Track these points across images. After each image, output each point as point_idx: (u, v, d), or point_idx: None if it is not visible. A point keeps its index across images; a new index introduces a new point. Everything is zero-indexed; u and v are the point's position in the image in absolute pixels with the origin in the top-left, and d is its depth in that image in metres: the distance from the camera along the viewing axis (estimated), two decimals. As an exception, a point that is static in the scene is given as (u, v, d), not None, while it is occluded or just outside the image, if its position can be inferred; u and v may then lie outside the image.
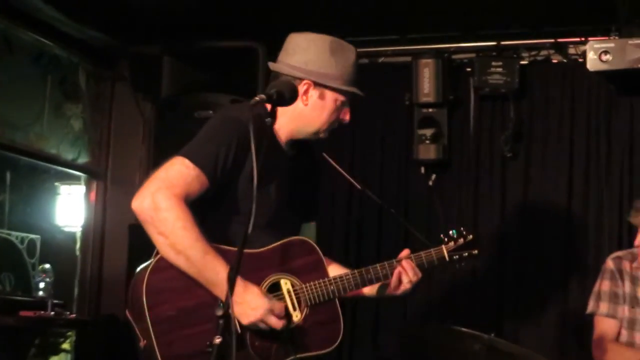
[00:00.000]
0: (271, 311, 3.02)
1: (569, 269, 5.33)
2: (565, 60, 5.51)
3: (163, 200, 2.94)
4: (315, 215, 3.66)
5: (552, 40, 5.45)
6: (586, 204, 5.36)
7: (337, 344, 3.21)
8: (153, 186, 2.97)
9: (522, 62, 5.47)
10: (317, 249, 3.26)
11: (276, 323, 3.03)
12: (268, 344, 3.08)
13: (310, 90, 3.23)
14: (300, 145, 3.35)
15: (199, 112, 5.16)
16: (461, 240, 3.50)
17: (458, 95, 5.58)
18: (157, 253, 3.02)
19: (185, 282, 3.00)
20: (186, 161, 3.02)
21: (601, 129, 5.37)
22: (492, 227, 5.38)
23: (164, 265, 2.99)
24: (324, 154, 3.52)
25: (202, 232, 2.98)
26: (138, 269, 3.07)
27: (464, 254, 3.51)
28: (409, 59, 5.55)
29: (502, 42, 5.46)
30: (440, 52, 5.50)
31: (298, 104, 3.17)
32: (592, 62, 5.00)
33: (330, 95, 3.25)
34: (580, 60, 5.26)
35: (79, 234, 6.25)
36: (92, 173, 6.18)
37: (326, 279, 3.23)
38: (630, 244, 4.74)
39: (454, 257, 3.49)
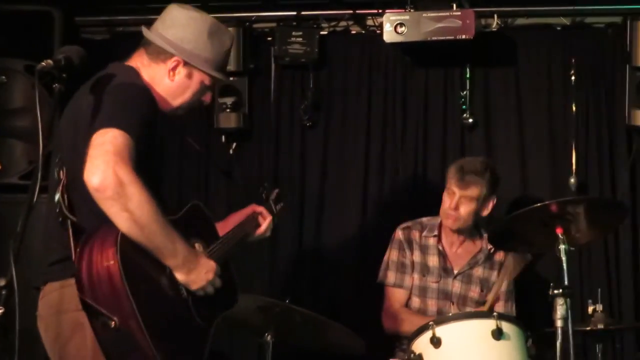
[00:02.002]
0: (218, 272, 3.08)
1: (365, 235, 5.45)
2: (363, 32, 5.61)
3: (125, 174, 2.80)
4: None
5: (351, 12, 5.53)
6: (381, 171, 5.49)
7: (237, 302, 3.31)
8: (109, 161, 2.79)
9: (322, 33, 5.53)
10: (206, 210, 3.35)
11: (219, 284, 3.09)
12: (204, 306, 3.08)
13: (179, 67, 3.22)
14: None
15: (-9, 76, 4.98)
16: (275, 193, 3.94)
17: (259, 64, 5.58)
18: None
19: (147, 253, 2.92)
20: (123, 132, 2.86)
21: (397, 99, 5.51)
22: (291, 195, 5.43)
23: (127, 237, 2.86)
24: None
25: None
26: (85, 247, 2.87)
27: (278, 207, 3.93)
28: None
29: (303, 12, 5.50)
30: (241, 21, 5.47)
31: (164, 77, 3.20)
32: (388, 34, 5.13)
33: (197, 76, 3.26)
34: (378, 31, 5.35)
35: None
36: None
37: (221, 239, 3.35)
38: (422, 211, 4.92)
39: (278, 207, 3.91)
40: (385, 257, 4.77)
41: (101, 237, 2.86)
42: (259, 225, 3.70)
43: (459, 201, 4.56)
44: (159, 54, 3.22)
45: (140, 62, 3.24)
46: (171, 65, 3.21)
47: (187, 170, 5.62)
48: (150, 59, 3.22)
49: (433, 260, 4.70)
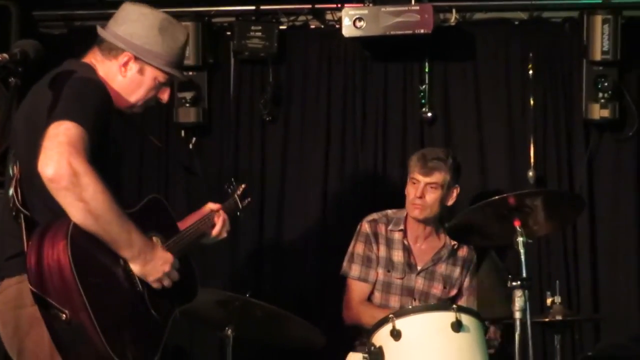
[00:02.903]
0: (174, 265, 3.07)
1: (326, 229, 5.46)
2: (322, 26, 5.60)
3: (79, 165, 2.79)
4: None
5: (310, 6, 5.52)
6: (342, 165, 5.50)
7: (196, 296, 3.32)
8: (63, 152, 2.78)
9: (281, 27, 5.51)
10: (166, 204, 3.36)
11: (176, 276, 3.08)
12: (161, 300, 3.08)
13: (130, 63, 3.21)
14: None
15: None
16: (241, 188, 3.93)
17: (218, 59, 5.56)
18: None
19: (101, 244, 2.90)
20: (77, 125, 2.85)
21: (357, 93, 5.52)
22: (252, 190, 5.41)
23: (79, 230, 2.85)
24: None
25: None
26: (35, 240, 2.84)
27: (245, 202, 3.95)
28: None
29: (262, 7, 5.48)
30: (200, 15, 5.45)
31: (117, 74, 3.20)
32: (347, 28, 5.14)
33: (150, 71, 3.24)
34: (337, 26, 5.35)
35: None
36: None
37: (180, 233, 3.34)
38: (382, 205, 4.93)
39: (244, 203, 3.93)
40: (350, 249, 4.76)
41: (52, 230, 2.85)
42: (214, 224, 3.63)
43: (424, 189, 4.57)
44: (111, 50, 3.21)
45: (94, 58, 3.24)
46: (122, 60, 3.20)
47: (147, 167, 5.59)
48: (103, 56, 3.22)
49: (398, 255, 4.70)
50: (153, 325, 3.07)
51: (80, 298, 2.78)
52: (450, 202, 4.67)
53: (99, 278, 2.90)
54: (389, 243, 4.72)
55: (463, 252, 4.77)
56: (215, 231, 3.62)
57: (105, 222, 2.87)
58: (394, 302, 4.67)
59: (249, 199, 3.99)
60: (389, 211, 4.80)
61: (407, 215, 4.73)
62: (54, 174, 2.79)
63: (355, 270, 4.72)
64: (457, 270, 4.75)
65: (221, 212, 3.66)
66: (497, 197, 3.79)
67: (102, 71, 3.21)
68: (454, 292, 4.73)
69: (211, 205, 3.66)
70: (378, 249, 4.71)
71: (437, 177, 4.58)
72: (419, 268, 4.71)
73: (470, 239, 4.40)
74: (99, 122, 2.95)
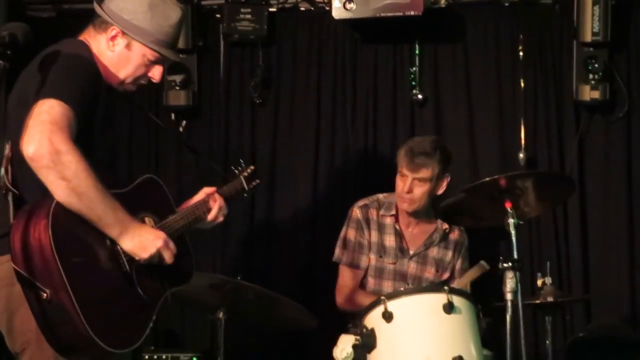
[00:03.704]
0: (168, 242, 3.08)
1: (317, 211, 5.47)
2: (312, 8, 5.57)
3: (61, 143, 2.81)
4: None
5: (300, -12, 5.52)
6: (332, 147, 5.50)
7: (191, 278, 3.34)
8: (45, 130, 2.80)
9: (271, 10, 5.49)
10: (163, 184, 3.36)
11: (171, 255, 3.09)
12: (151, 281, 3.09)
13: (117, 37, 3.22)
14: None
15: None
16: (249, 170, 3.90)
17: (207, 41, 5.54)
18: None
19: (85, 224, 2.91)
20: (62, 103, 2.87)
21: (347, 76, 5.50)
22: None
23: (62, 209, 2.86)
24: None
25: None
26: (20, 219, 2.86)
27: (253, 183, 3.93)
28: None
29: (251, -11, 5.47)
30: (189, -3, 5.44)
31: (106, 50, 3.21)
32: (337, 10, 5.13)
33: (138, 48, 3.24)
34: (327, 8, 5.33)
35: None
36: None
37: (176, 215, 3.34)
38: (373, 188, 4.93)
39: (250, 185, 3.89)
40: (342, 235, 4.76)
41: (36, 210, 2.86)
42: (210, 209, 3.61)
43: (412, 184, 4.55)
44: (102, 24, 3.23)
45: (88, 35, 3.25)
46: (110, 34, 3.22)
47: (138, 147, 5.58)
48: (95, 31, 3.24)
49: (390, 240, 4.70)
50: (140, 306, 3.07)
51: (60, 278, 2.80)
52: (440, 192, 4.62)
53: (82, 257, 2.91)
54: (381, 228, 4.72)
55: (455, 235, 4.77)
56: (211, 216, 3.60)
57: (89, 200, 2.88)
58: (387, 287, 4.66)
59: (257, 181, 3.98)
60: (380, 195, 4.80)
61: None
62: (34, 152, 2.81)
63: (347, 256, 4.73)
64: (449, 254, 4.76)
65: (216, 196, 3.63)
66: (488, 179, 3.78)
67: (95, 47, 3.22)
68: (446, 275, 4.74)
69: (206, 189, 3.63)
70: (370, 235, 4.71)
71: (425, 172, 4.54)
72: (411, 252, 4.71)
73: (461, 221, 4.40)
74: (86, 98, 2.96)
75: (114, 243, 2.99)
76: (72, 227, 2.89)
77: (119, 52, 3.23)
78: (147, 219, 3.16)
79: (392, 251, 4.69)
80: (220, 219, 3.64)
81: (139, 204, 3.12)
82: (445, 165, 4.61)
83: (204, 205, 3.58)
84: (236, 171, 3.89)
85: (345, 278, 4.74)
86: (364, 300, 4.50)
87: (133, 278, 3.04)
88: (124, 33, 3.21)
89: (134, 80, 3.30)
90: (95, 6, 3.27)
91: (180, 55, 5.27)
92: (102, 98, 3.08)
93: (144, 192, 3.23)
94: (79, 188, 2.85)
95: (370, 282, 4.71)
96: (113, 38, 3.22)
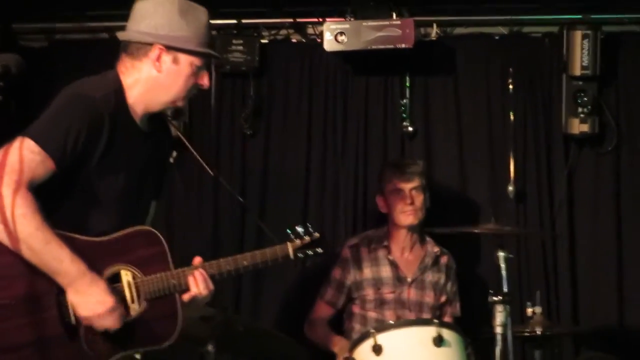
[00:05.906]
0: (112, 311, 2.92)
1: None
2: (304, 40, 5.61)
3: (5, 186, 2.76)
4: (159, 194, 3.43)
5: (292, 20, 5.53)
6: (322, 179, 5.50)
7: (170, 341, 3.10)
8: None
9: (263, 41, 5.52)
10: (162, 239, 3.11)
11: (114, 322, 2.94)
12: (101, 337, 2.96)
13: (162, 55, 3.08)
14: (156, 120, 3.21)
15: None
16: (307, 239, 3.44)
17: (199, 72, 5.55)
18: None
19: (24, 268, 2.85)
20: (32, 144, 2.82)
21: (338, 107, 5.52)
22: (232, 205, 5.40)
23: (2, 251, 2.82)
24: (180, 134, 3.38)
25: (45, 219, 2.82)
26: None
27: (309, 252, 3.44)
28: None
29: (243, 21, 5.48)
30: (181, 28, 5.44)
31: (151, 71, 3.09)
32: (329, 42, 5.15)
33: (184, 59, 3.11)
34: (319, 40, 5.36)
35: None
36: None
37: (168, 272, 3.10)
38: (363, 217, 4.94)
39: (299, 254, 3.42)
40: (331, 273, 4.82)
41: None
42: (186, 288, 3.15)
43: (411, 194, 4.67)
44: (139, 49, 3.10)
45: (122, 67, 3.13)
46: (154, 55, 3.08)
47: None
48: (133, 59, 3.11)
49: (386, 271, 4.74)
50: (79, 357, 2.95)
51: None
52: (428, 204, 4.75)
53: (9, 300, 2.86)
54: (374, 261, 4.76)
55: (444, 259, 4.86)
56: (190, 295, 3.18)
57: (28, 247, 2.82)
58: (390, 316, 4.68)
59: (320, 250, 3.46)
60: (369, 232, 4.90)
61: (388, 231, 4.76)
62: None
63: (328, 293, 4.79)
64: (443, 277, 4.82)
65: (196, 272, 3.17)
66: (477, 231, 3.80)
67: (134, 76, 3.10)
68: (443, 298, 4.80)
69: (196, 260, 3.25)
70: (363, 273, 4.73)
71: (417, 180, 4.73)
72: (409, 279, 4.74)
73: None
74: (73, 143, 2.89)
75: (62, 292, 2.91)
76: (11, 266, 2.85)
77: (167, 70, 3.09)
78: (123, 272, 3.03)
79: (390, 281, 4.72)
80: (204, 293, 3.20)
81: (119, 255, 3.01)
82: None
83: (182, 278, 3.15)
84: (291, 236, 3.45)
85: (318, 312, 4.84)
86: (325, 337, 4.66)
87: (80, 331, 2.94)
88: (168, 49, 3.08)
89: (187, 92, 3.16)
90: (121, 34, 3.15)
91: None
92: (120, 136, 2.98)
93: (132, 244, 3.07)
94: (17, 233, 2.79)
95: (372, 315, 4.71)
96: (158, 58, 3.08)
